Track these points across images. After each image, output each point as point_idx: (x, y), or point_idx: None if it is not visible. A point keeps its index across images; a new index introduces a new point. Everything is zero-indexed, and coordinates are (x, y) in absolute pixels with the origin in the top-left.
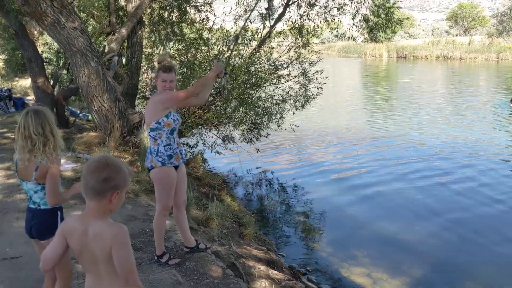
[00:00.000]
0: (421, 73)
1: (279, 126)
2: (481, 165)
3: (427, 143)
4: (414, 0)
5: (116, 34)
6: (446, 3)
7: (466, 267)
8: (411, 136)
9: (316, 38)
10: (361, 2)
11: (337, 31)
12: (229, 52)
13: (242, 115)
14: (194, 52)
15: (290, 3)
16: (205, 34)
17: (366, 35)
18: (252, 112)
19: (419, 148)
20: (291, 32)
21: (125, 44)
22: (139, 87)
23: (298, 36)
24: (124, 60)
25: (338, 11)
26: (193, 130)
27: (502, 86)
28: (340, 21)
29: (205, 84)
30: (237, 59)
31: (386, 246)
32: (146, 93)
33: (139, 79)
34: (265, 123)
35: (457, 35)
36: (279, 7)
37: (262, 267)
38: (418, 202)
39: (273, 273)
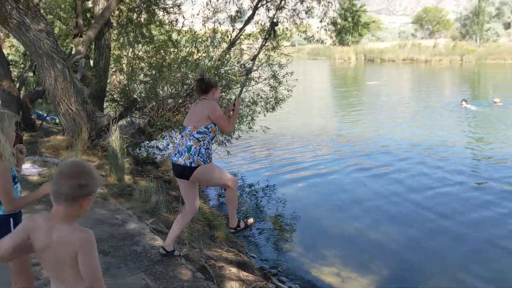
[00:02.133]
0: (388, 75)
1: (250, 128)
2: (435, 163)
3: (395, 145)
4: (381, 4)
5: (83, 36)
6: (412, 6)
7: (433, 262)
8: (378, 137)
9: (286, 41)
10: (328, 5)
11: (306, 33)
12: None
13: None
14: (163, 54)
15: (259, 6)
16: (174, 36)
17: (335, 38)
18: None
19: (387, 150)
20: (260, 35)
21: (93, 46)
22: (107, 89)
23: (268, 39)
24: (91, 62)
25: (306, 14)
26: (163, 133)
27: (463, 87)
28: (309, 24)
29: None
30: (206, 61)
31: (355, 245)
32: (115, 96)
33: (107, 81)
34: (236, 126)
35: (422, 38)
36: (248, 9)
37: (233, 269)
38: (385, 201)
39: (244, 274)
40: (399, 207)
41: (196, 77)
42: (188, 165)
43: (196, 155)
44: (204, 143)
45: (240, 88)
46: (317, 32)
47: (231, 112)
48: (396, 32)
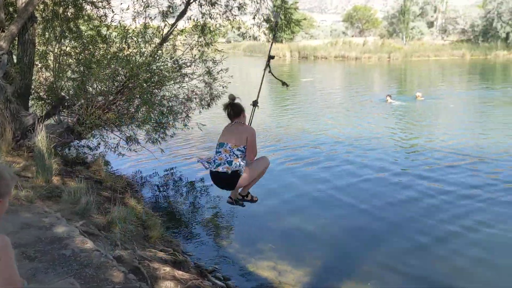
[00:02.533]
0: (321, 72)
1: (186, 125)
2: (360, 156)
3: (325, 139)
4: (313, 2)
5: (5, 31)
6: (342, 5)
7: (366, 252)
8: (310, 131)
9: (222, 37)
10: (260, 2)
11: (239, 30)
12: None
13: (146, 114)
14: (92, 49)
15: (191, 1)
16: (104, 31)
17: (268, 36)
18: (156, 112)
19: (318, 144)
20: (193, 31)
21: (16, 42)
22: (33, 87)
23: (201, 35)
24: (15, 58)
25: (239, 10)
26: (93, 132)
27: (391, 83)
28: (241, 20)
29: None
30: (137, 57)
31: (291, 237)
32: (41, 94)
33: (32, 78)
34: (170, 123)
35: (353, 36)
36: (180, 5)
37: (168, 269)
38: (318, 193)
39: (179, 273)
40: (331, 199)
41: (228, 102)
42: (230, 173)
43: (238, 165)
44: (241, 159)
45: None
46: (251, 28)
47: None
48: (328, 30)
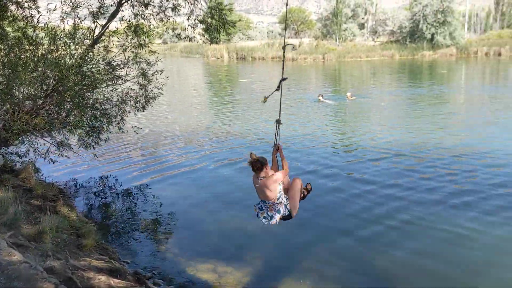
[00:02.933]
0: (259, 73)
1: (120, 129)
2: (293, 153)
3: (260, 139)
4: (249, 3)
5: None
6: (278, 7)
7: (304, 248)
8: (249, 132)
9: (158, 38)
10: (194, 3)
11: (174, 31)
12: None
13: (78, 118)
14: (17, 52)
15: (123, 2)
16: (30, 33)
17: (203, 37)
18: (88, 115)
19: (255, 144)
20: (126, 32)
21: None
22: None
23: (134, 36)
24: None
25: (173, 11)
26: (21, 138)
27: (325, 83)
28: (175, 21)
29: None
30: (67, 59)
31: (231, 239)
32: None
33: None
34: (104, 127)
35: (289, 37)
36: (111, 5)
37: (103, 277)
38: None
39: (115, 281)
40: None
41: (250, 161)
42: (287, 214)
43: (285, 212)
44: (284, 204)
45: (275, 133)
46: (185, 29)
47: (276, 156)
48: (265, 31)
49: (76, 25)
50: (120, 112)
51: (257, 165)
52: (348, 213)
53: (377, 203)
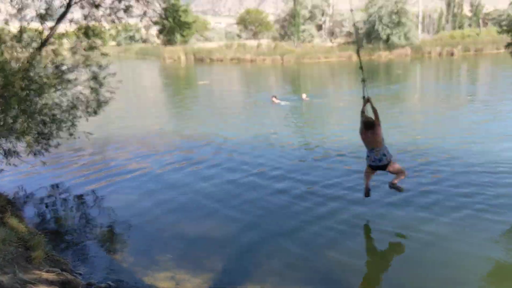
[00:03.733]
0: (217, 75)
1: (71, 134)
2: (245, 156)
3: (222, 142)
4: (206, 4)
5: None
6: (235, 8)
7: (263, 250)
8: (205, 135)
9: (112, 40)
10: (147, 4)
11: (126, 32)
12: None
13: (25, 125)
14: None
15: (72, 3)
16: None
17: (157, 38)
18: (37, 121)
19: (218, 148)
20: (75, 34)
21: None
22: None
23: (84, 38)
24: None
25: (125, 12)
26: None
27: (284, 84)
28: (128, 22)
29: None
30: (12, 63)
31: (188, 245)
32: None
33: None
34: (54, 133)
35: (247, 39)
36: (60, 7)
37: None
38: (216, 197)
39: None
40: (220, 200)
41: (365, 120)
42: (387, 161)
43: (390, 157)
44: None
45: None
46: (138, 31)
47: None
48: (223, 33)
49: (23, 28)
50: (71, 117)
51: (371, 123)
52: (293, 213)
53: (320, 203)
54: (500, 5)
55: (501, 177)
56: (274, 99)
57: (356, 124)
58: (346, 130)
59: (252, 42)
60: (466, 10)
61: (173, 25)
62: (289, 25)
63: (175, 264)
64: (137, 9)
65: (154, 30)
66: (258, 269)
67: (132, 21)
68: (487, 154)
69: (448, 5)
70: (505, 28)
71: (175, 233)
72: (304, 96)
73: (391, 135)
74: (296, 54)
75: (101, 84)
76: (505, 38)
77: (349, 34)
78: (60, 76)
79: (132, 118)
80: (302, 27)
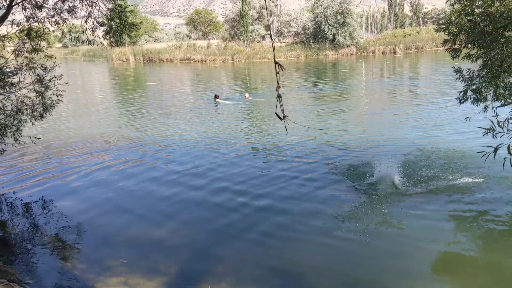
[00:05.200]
0: (168, 75)
1: (17, 140)
2: (187, 156)
3: (175, 143)
4: (155, 5)
5: None
6: (184, 8)
7: (216, 250)
8: (154, 137)
9: (58, 42)
10: (92, 5)
11: (71, 34)
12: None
13: None
14: None
15: (13, 4)
16: None
17: (111, 39)
18: None
19: (166, 148)
20: (17, 36)
21: None
22: None
23: (27, 40)
24: None
25: (69, 13)
26: None
27: (235, 84)
28: (73, 24)
29: None
30: None
31: (141, 249)
32: None
33: None
34: None
35: (197, 39)
36: (0, 8)
37: None
38: (167, 200)
39: None
40: (175, 204)
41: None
42: None
43: None
44: None
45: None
46: (83, 32)
47: None
48: (172, 33)
49: None
50: (16, 122)
51: None
52: (242, 214)
53: (264, 202)
54: (438, 4)
55: (435, 162)
56: (216, 98)
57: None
58: (282, 128)
59: (202, 43)
60: (407, 10)
61: (120, 26)
62: (238, 26)
63: (128, 269)
64: (82, 10)
65: (100, 31)
66: (212, 271)
67: (77, 22)
68: (431, 145)
69: (390, 5)
70: (442, 26)
71: (127, 237)
72: (247, 95)
73: (322, 133)
74: (246, 54)
75: (47, 87)
76: (443, 35)
77: (296, 34)
78: (2, 79)
79: (81, 120)
80: (250, 27)
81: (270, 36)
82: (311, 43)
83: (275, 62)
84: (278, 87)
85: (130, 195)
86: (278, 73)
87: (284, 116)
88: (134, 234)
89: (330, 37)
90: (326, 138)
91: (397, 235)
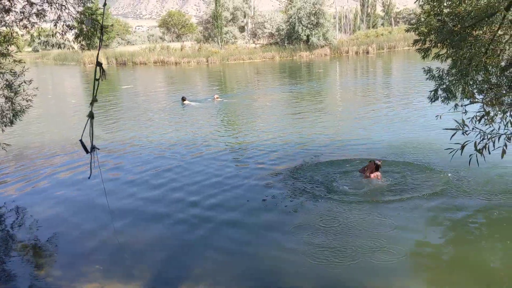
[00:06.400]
0: (141, 78)
1: None
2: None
3: (149, 146)
4: (127, 8)
5: None
6: (157, 10)
7: (194, 254)
8: (136, 140)
9: (28, 46)
10: (61, 8)
11: (40, 38)
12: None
13: None
14: None
15: None
16: None
17: (82, 42)
18: None
19: (140, 153)
20: None
21: None
22: None
23: None
24: None
25: (38, 17)
26: None
27: (210, 85)
28: (41, 27)
29: None
30: None
31: (115, 254)
32: None
33: None
34: None
35: (171, 41)
36: None
37: None
38: (140, 202)
39: None
40: (148, 206)
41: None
42: None
43: None
44: None
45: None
46: (53, 36)
47: None
48: (145, 36)
49: None
50: None
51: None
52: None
53: (234, 204)
54: (410, 4)
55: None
56: (184, 100)
57: (262, 122)
58: (248, 128)
59: (176, 45)
60: (379, 10)
61: (91, 29)
62: (212, 27)
63: (103, 275)
64: (51, 13)
65: (71, 34)
66: (188, 273)
67: (47, 25)
68: (401, 142)
69: (362, 5)
70: (413, 26)
71: (101, 242)
72: (216, 96)
73: (314, 129)
74: (220, 55)
75: (16, 93)
76: (414, 35)
77: (271, 35)
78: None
79: (53, 125)
80: (225, 29)
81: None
82: (285, 44)
83: (98, 64)
84: (93, 101)
85: (103, 199)
86: (97, 80)
87: (92, 148)
88: (108, 239)
89: (304, 38)
90: (295, 139)
91: (367, 235)
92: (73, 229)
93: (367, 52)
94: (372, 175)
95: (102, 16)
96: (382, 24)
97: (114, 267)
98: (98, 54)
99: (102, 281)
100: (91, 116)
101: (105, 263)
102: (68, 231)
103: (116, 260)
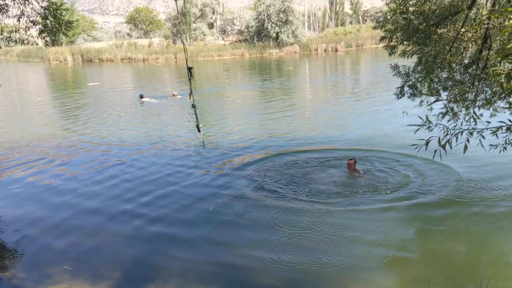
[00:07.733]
0: (109, 75)
1: None
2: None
3: (115, 144)
4: (93, 3)
5: None
6: (124, 7)
7: (163, 253)
8: (102, 139)
9: None
10: (25, 3)
11: (2, 33)
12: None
13: None
14: None
15: None
16: None
17: (47, 38)
18: None
19: (108, 152)
20: None
21: None
22: None
23: None
24: None
25: (0, 12)
26: None
27: (177, 82)
28: (3, 23)
29: None
30: None
31: (84, 254)
32: None
33: None
34: None
35: (138, 38)
36: None
37: None
38: (110, 202)
39: None
40: (116, 205)
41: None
42: None
43: None
44: None
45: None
46: (15, 31)
47: None
48: (112, 32)
49: None
50: None
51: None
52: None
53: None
54: (377, 3)
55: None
56: (142, 97)
57: (226, 119)
58: (208, 124)
59: (144, 41)
60: (347, 8)
61: (55, 25)
62: (181, 23)
63: (71, 276)
64: (14, 8)
65: (35, 30)
66: (157, 273)
67: (10, 21)
68: (370, 138)
69: (331, 3)
70: (379, 24)
71: (69, 242)
72: (175, 93)
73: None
74: (189, 52)
75: None
76: (381, 33)
77: (240, 32)
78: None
79: (17, 123)
80: (193, 26)
81: (182, 41)
82: (255, 41)
83: (189, 68)
84: (190, 94)
85: (68, 199)
86: (190, 79)
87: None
88: (77, 239)
89: (274, 35)
90: (262, 135)
91: (337, 233)
92: (41, 228)
93: (336, 50)
94: (356, 173)
95: (67, 11)
96: (350, 22)
97: (81, 267)
98: (186, 59)
99: (69, 282)
100: (194, 106)
101: (73, 263)
102: (35, 230)
103: (83, 259)
